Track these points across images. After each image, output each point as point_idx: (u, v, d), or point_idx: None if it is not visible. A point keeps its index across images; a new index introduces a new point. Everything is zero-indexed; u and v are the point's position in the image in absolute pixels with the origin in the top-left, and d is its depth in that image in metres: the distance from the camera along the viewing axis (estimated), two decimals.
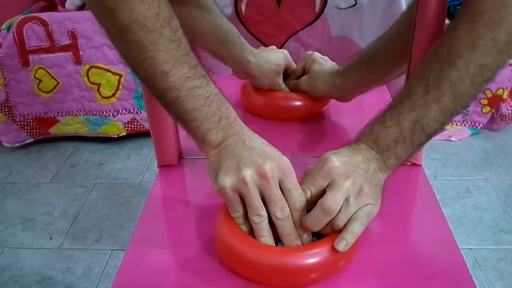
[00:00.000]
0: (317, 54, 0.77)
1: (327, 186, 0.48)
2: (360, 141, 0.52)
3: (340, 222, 0.47)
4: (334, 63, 0.76)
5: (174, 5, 0.48)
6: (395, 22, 0.67)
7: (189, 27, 0.71)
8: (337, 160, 0.48)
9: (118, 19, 0.44)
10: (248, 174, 0.46)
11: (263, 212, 0.47)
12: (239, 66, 0.76)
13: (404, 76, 0.63)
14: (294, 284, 0.47)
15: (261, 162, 0.47)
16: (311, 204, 0.48)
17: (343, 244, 0.46)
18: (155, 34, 0.45)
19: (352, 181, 0.47)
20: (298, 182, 0.49)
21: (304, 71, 0.78)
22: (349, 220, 0.47)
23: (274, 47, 0.80)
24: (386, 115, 0.51)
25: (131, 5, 0.43)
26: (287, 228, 0.48)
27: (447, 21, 0.54)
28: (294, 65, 0.80)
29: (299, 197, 0.48)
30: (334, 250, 0.46)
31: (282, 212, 0.47)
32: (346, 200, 0.47)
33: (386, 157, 0.51)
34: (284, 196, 0.48)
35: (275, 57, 0.77)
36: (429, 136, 0.51)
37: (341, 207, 0.47)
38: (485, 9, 0.46)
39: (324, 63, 0.75)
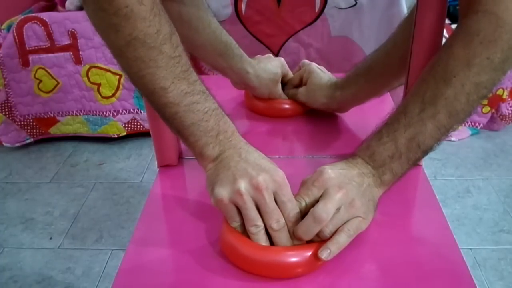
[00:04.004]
0: (314, 64, 0.78)
1: (320, 196, 0.49)
2: (356, 155, 0.53)
3: (327, 230, 0.47)
4: (331, 74, 0.77)
5: (173, 15, 0.48)
6: (391, 34, 0.67)
7: (189, 40, 0.71)
8: (332, 172, 0.49)
9: (120, 36, 0.45)
10: (243, 185, 0.47)
11: (260, 223, 0.48)
12: (238, 78, 0.76)
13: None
14: (286, 276, 0.48)
15: (255, 174, 0.48)
16: (305, 214, 0.49)
17: (326, 253, 0.47)
18: (155, 51, 0.46)
19: (344, 192, 0.48)
20: (294, 194, 0.49)
21: (301, 80, 0.78)
22: (336, 230, 0.48)
23: (271, 55, 0.80)
24: (383, 131, 0.52)
25: (133, 22, 0.44)
26: (282, 239, 0.48)
27: (447, 21, 0.54)
28: (290, 73, 0.81)
29: (293, 209, 0.49)
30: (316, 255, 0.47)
31: (277, 223, 0.48)
32: (337, 210, 0.48)
33: (381, 172, 0.51)
34: (279, 208, 0.48)
35: (272, 66, 0.77)
36: (425, 152, 0.52)
37: None
38: (480, 28, 0.47)
39: (322, 74, 0.76)
